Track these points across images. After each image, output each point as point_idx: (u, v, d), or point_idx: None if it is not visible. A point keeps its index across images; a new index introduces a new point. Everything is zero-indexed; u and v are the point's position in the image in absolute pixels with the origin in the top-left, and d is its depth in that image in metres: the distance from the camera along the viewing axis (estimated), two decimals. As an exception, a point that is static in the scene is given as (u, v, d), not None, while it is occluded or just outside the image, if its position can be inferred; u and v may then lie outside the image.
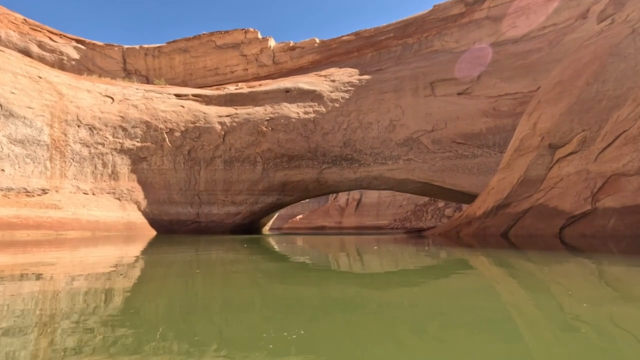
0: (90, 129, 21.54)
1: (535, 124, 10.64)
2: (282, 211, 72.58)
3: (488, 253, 6.99)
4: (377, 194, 64.81)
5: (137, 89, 24.47)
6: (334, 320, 2.39)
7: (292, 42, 33.71)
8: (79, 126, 21.17)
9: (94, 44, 39.20)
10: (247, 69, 35.05)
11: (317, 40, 32.19)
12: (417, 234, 16.67)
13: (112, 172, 21.97)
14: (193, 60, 37.74)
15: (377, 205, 65.54)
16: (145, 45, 39.63)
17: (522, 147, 10.93)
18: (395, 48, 26.92)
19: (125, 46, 39.48)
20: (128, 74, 38.36)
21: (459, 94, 22.12)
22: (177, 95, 24.59)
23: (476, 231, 11.50)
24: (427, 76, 23.10)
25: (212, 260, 6.36)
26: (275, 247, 10.57)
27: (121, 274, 4.44)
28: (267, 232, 29.61)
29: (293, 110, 23.77)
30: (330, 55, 30.43)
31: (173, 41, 38.65)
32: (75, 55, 38.35)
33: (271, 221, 34.66)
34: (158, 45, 39.20)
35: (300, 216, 73.24)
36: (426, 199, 58.42)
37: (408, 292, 3.40)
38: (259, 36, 35.25)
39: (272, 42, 34.94)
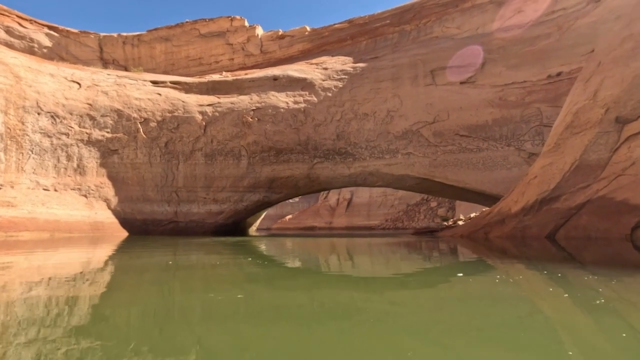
0: (52, 117, 19.13)
1: (595, 92, 8.50)
2: (271, 211, 70.66)
3: (528, 260, 5.19)
4: (368, 193, 63.97)
5: (109, 74, 22.11)
6: (326, 329, 2.19)
7: (281, 30, 31.70)
8: (39, 114, 18.75)
9: (67, 31, 36.58)
10: (233, 59, 32.87)
11: (308, 29, 30.24)
12: (430, 236, 14.78)
13: (78, 165, 19.59)
14: (175, 50, 35.40)
15: (368, 205, 64.46)
16: (124, 34, 37.12)
17: (578, 123, 8.76)
18: (392, 35, 25.12)
19: (102, 34, 36.92)
20: (105, 63, 35.81)
21: (461, 82, 20.41)
22: (154, 82, 22.31)
23: (512, 232, 9.42)
24: (427, 64, 21.33)
25: (192, 264, 5.73)
26: (262, 250, 8.66)
27: (86, 281, 4.00)
28: (254, 233, 27.53)
29: (282, 99, 21.73)
30: (322, 43, 28.49)
31: (154, 29, 36.29)
32: (47, 42, 35.66)
33: (258, 221, 32.54)
34: (138, 33, 36.75)
35: (290, 216, 71.49)
36: (418, 198, 57.44)
37: (409, 298, 3.08)
38: (246, 24, 33.13)
39: (259, 31, 32.85)
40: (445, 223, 30.90)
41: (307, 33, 29.93)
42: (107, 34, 36.87)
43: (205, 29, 34.26)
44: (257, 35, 32.36)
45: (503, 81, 19.60)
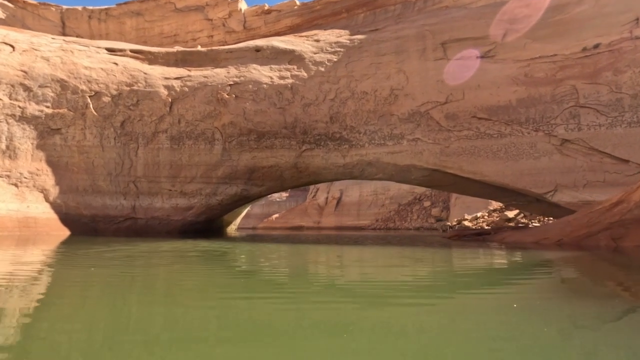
0: (-27, 85, 15.20)
1: None
2: (256, 210, 67.13)
3: None
4: (359, 192, 61.85)
5: (54, 38, 18.21)
6: (315, 350, 1.92)
7: (267, 5, 28.21)
8: (-46, 80, 14.81)
9: (24, 2, 32.37)
10: (212, 36, 29.20)
11: (297, 2, 26.83)
12: (480, 239, 11.52)
13: (8, 147, 15.69)
14: (148, 26, 31.51)
15: (358, 204, 61.94)
16: (90, 7, 33.07)
17: None
18: (394, 7, 21.88)
19: (65, 7, 32.81)
20: (67, 39, 31.64)
21: (478, 57, 17.26)
22: (110, 50, 18.48)
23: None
24: (437, 35, 18.13)
25: (153, 271, 5.03)
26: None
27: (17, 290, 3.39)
28: (234, 233, 24.00)
29: (265, 73, 18.21)
30: (313, 18, 25.11)
31: (124, 2, 32.30)
32: (-1, 13, 31.29)
33: (239, 219, 28.89)
34: (105, 7, 32.76)
35: (276, 215, 68.32)
36: (410, 198, 55.13)
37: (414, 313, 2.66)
38: (228, -3, 29.46)
39: (243, 5, 29.28)
40: (449, 223, 27.85)
41: (296, 7, 26.52)
42: (71, 7, 32.85)
43: (182, 3, 30.52)
44: (240, 9, 28.79)
45: (529, 55, 16.52)
